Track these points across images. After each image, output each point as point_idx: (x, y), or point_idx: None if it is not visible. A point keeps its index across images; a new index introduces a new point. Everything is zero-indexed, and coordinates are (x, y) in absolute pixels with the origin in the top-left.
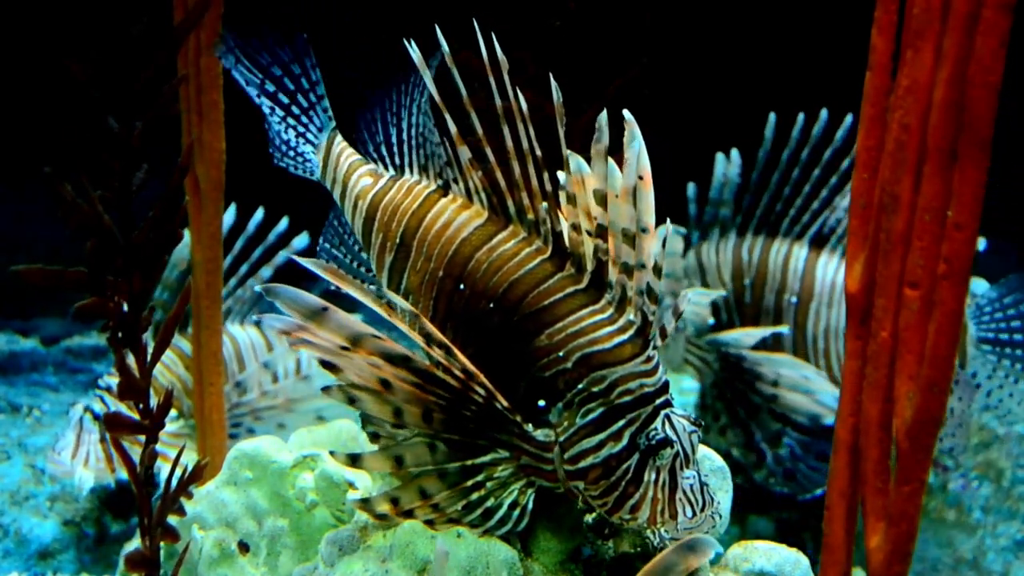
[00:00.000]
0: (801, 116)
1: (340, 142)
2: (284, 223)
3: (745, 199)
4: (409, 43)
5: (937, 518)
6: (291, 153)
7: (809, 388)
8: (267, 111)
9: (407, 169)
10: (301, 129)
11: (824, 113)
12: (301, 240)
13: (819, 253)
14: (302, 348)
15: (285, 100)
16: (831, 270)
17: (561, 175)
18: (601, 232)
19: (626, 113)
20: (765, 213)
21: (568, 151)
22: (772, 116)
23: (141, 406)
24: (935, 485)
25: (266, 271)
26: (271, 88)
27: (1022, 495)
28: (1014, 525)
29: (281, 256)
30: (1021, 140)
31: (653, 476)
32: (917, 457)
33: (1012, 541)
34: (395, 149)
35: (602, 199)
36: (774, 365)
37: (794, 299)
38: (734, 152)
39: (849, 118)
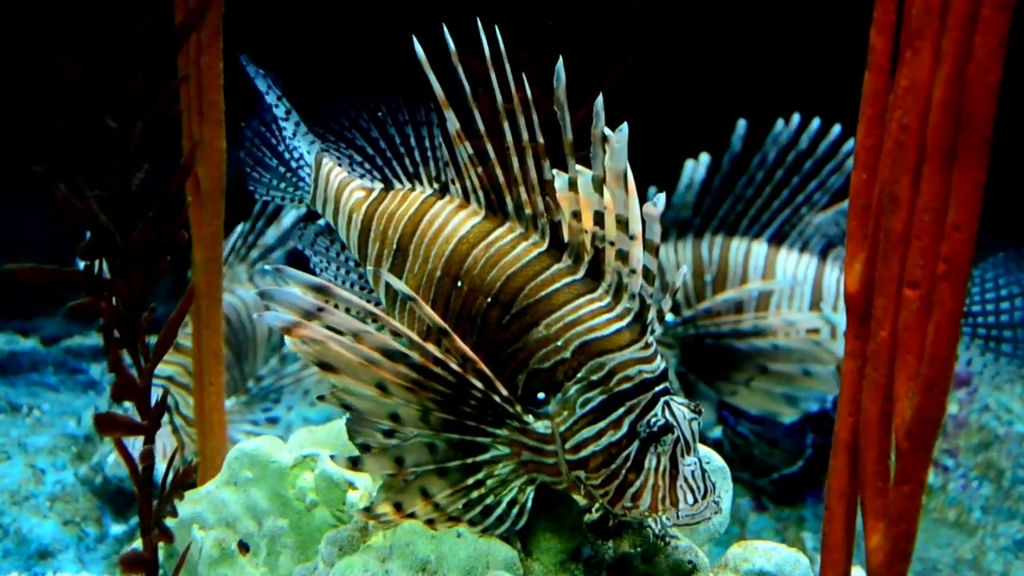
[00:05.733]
0: (781, 120)
1: (327, 163)
2: None
3: (705, 202)
4: (414, 43)
5: (937, 518)
6: (280, 184)
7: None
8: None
9: (395, 180)
10: (294, 161)
11: (796, 117)
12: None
13: (778, 249)
14: (300, 351)
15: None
16: (791, 264)
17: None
18: (598, 219)
19: (607, 130)
20: (726, 214)
21: (576, 165)
22: (742, 122)
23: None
24: (935, 485)
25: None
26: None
27: (1022, 495)
28: (1014, 525)
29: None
30: (1021, 140)
31: (654, 463)
32: (917, 457)
33: (1012, 541)
34: (379, 161)
35: (599, 185)
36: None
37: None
38: (703, 155)
39: (817, 122)
